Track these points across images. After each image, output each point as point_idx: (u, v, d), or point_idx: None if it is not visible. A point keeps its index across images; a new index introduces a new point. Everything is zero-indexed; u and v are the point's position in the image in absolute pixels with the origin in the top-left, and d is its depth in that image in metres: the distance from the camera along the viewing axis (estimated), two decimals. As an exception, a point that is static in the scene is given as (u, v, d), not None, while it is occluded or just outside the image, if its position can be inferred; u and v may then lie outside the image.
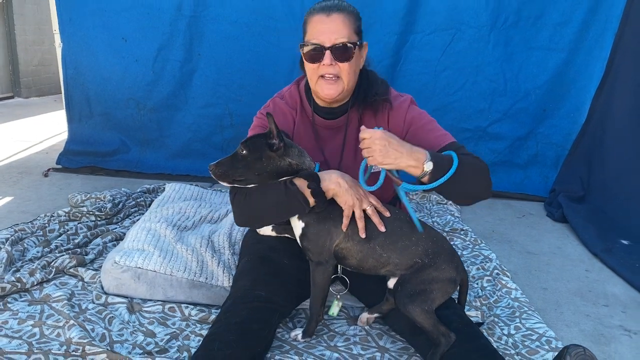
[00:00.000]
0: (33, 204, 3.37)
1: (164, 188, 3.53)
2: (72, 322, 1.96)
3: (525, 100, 3.98)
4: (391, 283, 1.88)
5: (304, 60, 1.92)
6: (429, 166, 1.68)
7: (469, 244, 2.91)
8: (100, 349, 1.81)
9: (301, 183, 1.76)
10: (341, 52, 1.83)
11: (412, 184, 1.75)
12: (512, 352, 1.94)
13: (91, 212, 3.00)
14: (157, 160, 4.28)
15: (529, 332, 2.06)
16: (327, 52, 1.83)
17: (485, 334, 1.99)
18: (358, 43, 1.87)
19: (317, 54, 1.85)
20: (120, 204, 3.18)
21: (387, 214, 1.81)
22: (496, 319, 2.16)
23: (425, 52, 3.90)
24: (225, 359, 1.62)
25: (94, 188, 3.67)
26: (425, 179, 1.71)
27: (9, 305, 2.10)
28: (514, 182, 4.09)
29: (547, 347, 1.96)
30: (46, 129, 5.79)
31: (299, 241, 1.88)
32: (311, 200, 1.76)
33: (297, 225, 1.87)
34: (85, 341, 1.84)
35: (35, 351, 1.82)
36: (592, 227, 3.26)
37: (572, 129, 3.97)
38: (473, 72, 3.95)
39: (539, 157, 4.10)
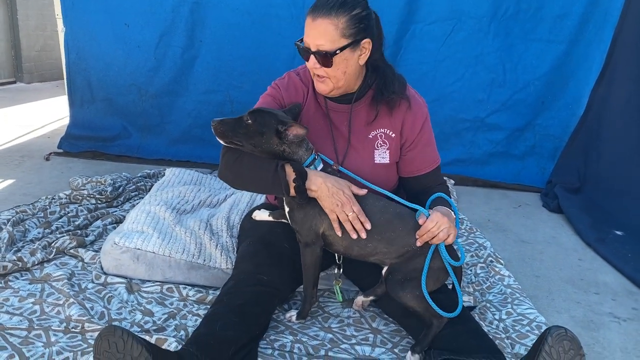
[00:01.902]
0: (34, 186, 3.41)
1: (164, 173, 3.57)
2: (71, 300, 2.00)
3: (524, 92, 4.01)
4: (385, 271, 1.92)
5: None
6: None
7: (463, 232, 2.94)
8: (99, 326, 1.85)
9: (289, 172, 1.80)
10: (322, 58, 1.84)
11: None
12: (503, 335, 1.98)
13: (92, 195, 3.04)
14: (158, 146, 4.31)
15: (520, 317, 2.10)
16: (312, 56, 1.86)
17: (477, 318, 2.04)
18: (347, 46, 1.83)
19: (305, 55, 1.89)
20: (121, 188, 3.22)
21: (368, 226, 1.83)
22: (488, 304, 2.20)
23: (425, 42, 3.92)
24: (226, 339, 1.66)
25: (95, 172, 3.70)
26: None
27: (10, 283, 2.14)
28: (511, 173, 4.12)
29: (537, 332, 2.00)
30: (48, 114, 5.81)
31: (290, 222, 1.93)
32: (292, 192, 1.81)
33: (285, 208, 1.92)
34: (84, 318, 1.89)
35: (36, 327, 1.86)
36: (587, 218, 3.30)
37: (570, 121, 3.99)
38: (473, 63, 3.97)
39: (536, 149, 4.13)
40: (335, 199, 1.80)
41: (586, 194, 3.64)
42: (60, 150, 4.25)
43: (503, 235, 3.05)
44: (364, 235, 1.83)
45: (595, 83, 3.80)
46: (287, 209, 1.90)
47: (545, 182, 3.99)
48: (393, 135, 2.01)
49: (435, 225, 1.76)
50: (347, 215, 1.80)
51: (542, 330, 1.96)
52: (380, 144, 2.02)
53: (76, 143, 4.29)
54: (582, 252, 2.88)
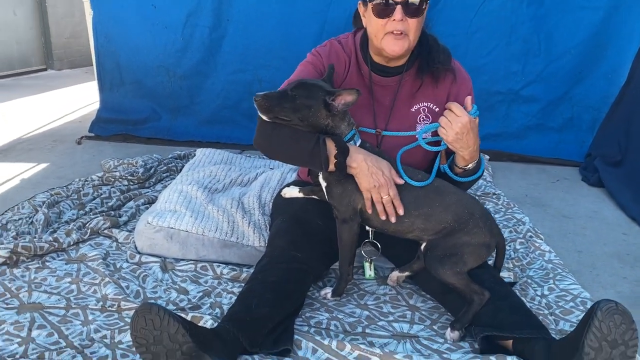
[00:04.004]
0: (67, 169, 3.44)
1: (195, 154, 3.56)
2: (107, 279, 2.01)
3: (560, 61, 3.85)
4: (424, 246, 1.86)
5: (372, 16, 1.84)
6: (470, 167, 1.88)
7: (501, 208, 2.85)
8: (135, 305, 1.85)
9: (331, 147, 1.74)
10: (413, 8, 1.78)
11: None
12: (546, 312, 1.91)
13: (124, 177, 3.05)
14: (187, 127, 4.30)
15: (563, 293, 2.03)
16: (398, 7, 1.77)
17: (518, 294, 1.97)
18: None
19: (386, 9, 1.79)
20: (152, 169, 3.22)
21: (400, 212, 1.78)
22: (529, 280, 2.12)
23: (457, 13, 3.78)
24: (262, 316, 1.64)
25: (126, 155, 3.71)
26: (457, 171, 1.90)
27: (47, 263, 2.16)
28: (547, 147, 3.98)
29: (582, 307, 1.92)
30: (78, 99, 5.87)
31: (327, 197, 1.88)
32: (331, 167, 1.76)
33: (322, 183, 1.87)
34: (120, 297, 1.89)
35: (73, 306, 1.88)
36: (629, 191, 3.16)
37: (609, 90, 3.83)
38: (506, 33, 3.83)
39: (574, 121, 3.98)
40: (374, 179, 1.74)
41: (628, 167, 3.48)
42: (92, 134, 4.29)
43: (542, 211, 2.95)
44: (393, 220, 1.78)
45: (638, 51, 3.62)
46: (324, 184, 1.86)
47: (583, 155, 3.85)
48: (437, 109, 1.94)
49: (457, 115, 1.75)
50: (382, 198, 1.75)
51: (588, 306, 1.90)
52: (422, 118, 1.95)
53: (107, 126, 4.32)
54: (626, 227, 2.76)
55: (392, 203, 1.77)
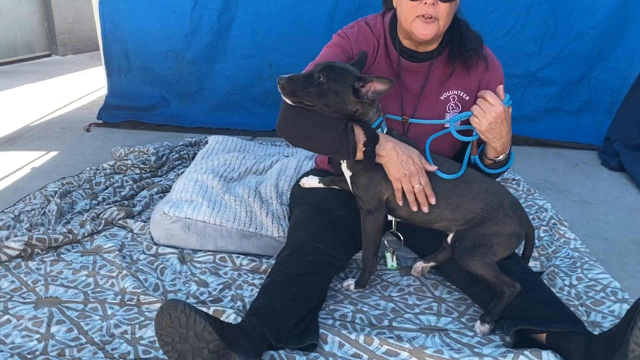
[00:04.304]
0: (77, 158, 3.39)
1: (207, 141, 3.50)
2: (125, 272, 1.96)
3: (577, 42, 3.76)
4: (450, 238, 1.81)
5: None
6: (501, 158, 1.84)
7: (521, 194, 2.79)
8: (155, 298, 1.81)
9: (359, 135, 1.68)
10: None
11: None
12: (576, 302, 1.86)
13: (136, 166, 3.00)
14: (197, 114, 4.24)
15: (592, 282, 1.97)
16: None
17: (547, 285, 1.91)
18: None
19: None
20: (164, 157, 3.16)
21: (433, 200, 1.72)
22: (556, 270, 2.07)
23: (472, -7, 3.69)
24: (286, 310, 1.60)
25: (135, 142, 3.66)
26: (486, 162, 1.85)
27: (62, 256, 2.12)
28: (564, 130, 3.91)
29: (613, 298, 1.87)
30: (84, 85, 5.81)
31: (351, 188, 1.82)
32: (359, 155, 1.70)
33: (346, 173, 1.81)
34: (139, 291, 1.84)
35: (92, 300, 1.84)
36: (652, 176, 3.10)
37: (629, 72, 3.75)
38: (523, 13, 3.74)
39: (592, 103, 3.90)
40: (404, 167, 1.68)
41: (649, 150, 3.42)
42: (100, 121, 4.23)
43: (563, 196, 2.89)
44: (426, 209, 1.72)
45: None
46: (348, 173, 1.80)
47: (602, 139, 3.77)
48: (467, 98, 1.87)
49: (491, 105, 1.69)
50: (413, 187, 1.69)
51: (619, 297, 1.86)
52: (452, 106, 1.88)
53: (115, 113, 4.26)
54: (651, 212, 2.70)
55: (424, 192, 1.71)
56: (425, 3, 1.68)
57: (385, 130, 1.77)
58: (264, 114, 4.17)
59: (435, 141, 1.82)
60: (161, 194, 2.74)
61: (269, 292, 1.67)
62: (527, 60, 3.85)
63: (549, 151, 3.67)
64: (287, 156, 2.86)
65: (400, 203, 1.75)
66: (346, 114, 1.69)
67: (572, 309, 1.78)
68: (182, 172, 2.99)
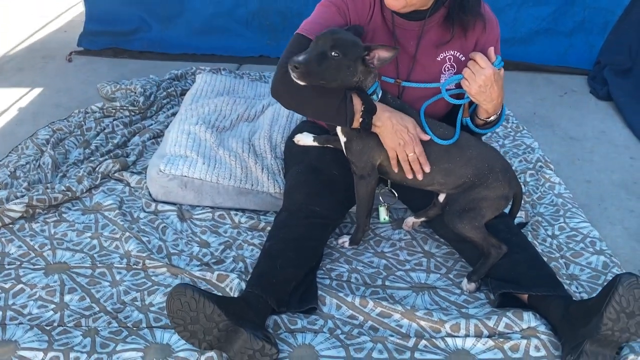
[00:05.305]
0: (64, 95, 3.33)
1: (193, 72, 3.44)
2: (127, 233, 2.03)
3: (573, -41, 3.62)
4: (441, 197, 1.88)
5: None
6: (492, 119, 1.85)
7: (510, 132, 2.84)
8: (160, 263, 1.90)
9: (357, 105, 1.69)
10: None
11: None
12: (557, 254, 1.98)
13: (124, 107, 2.96)
14: (180, 38, 4.08)
15: (573, 232, 2.09)
16: None
17: (529, 236, 2.03)
18: None
19: None
20: (152, 96, 3.11)
21: (427, 169, 1.76)
22: (540, 219, 2.18)
23: None
24: (287, 276, 1.70)
25: (120, 74, 3.58)
26: (478, 122, 1.86)
27: (64, 215, 2.17)
28: (557, 52, 3.84)
29: (591, 249, 2.00)
30: (60, 2, 5.48)
31: (344, 152, 1.86)
32: (355, 124, 1.72)
33: (341, 138, 1.84)
34: (144, 255, 1.93)
35: (99, 265, 1.92)
36: (638, 105, 3.13)
37: (627, -9, 3.64)
38: None
39: (585, 24, 3.81)
40: (398, 137, 1.71)
41: (638, 76, 3.42)
42: (81, 49, 4.08)
43: (550, 132, 2.94)
44: (420, 177, 1.77)
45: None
46: (343, 139, 1.83)
47: (593, 62, 3.74)
48: (463, 58, 1.84)
49: (481, 67, 1.68)
50: (407, 156, 1.73)
51: (597, 248, 2.00)
52: (447, 67, 1.86)
53: (96, 40, 4.09)
54: (634, 149, 2.77)
55: (418, 161, 1.76)
56: None
57: (380, 94, 1.77)
58: (249, 36, 4.04)
59: (430, 104, 1.83)
60: (153, 140, 2.75)
61: (270, 258, 1.76)
62: (521, -22, 3.71)
63: (539, 77, 3.65)
64: (278, 96, 2.83)
65: (396, 170, 1.80)
66: (349, 84, 1.69)
67: (552, 263, 1.91)
68: (171, 113, 2.97)
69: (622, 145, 2.82)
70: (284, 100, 1.82)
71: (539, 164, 2.52)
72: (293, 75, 1.60)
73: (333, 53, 1.60)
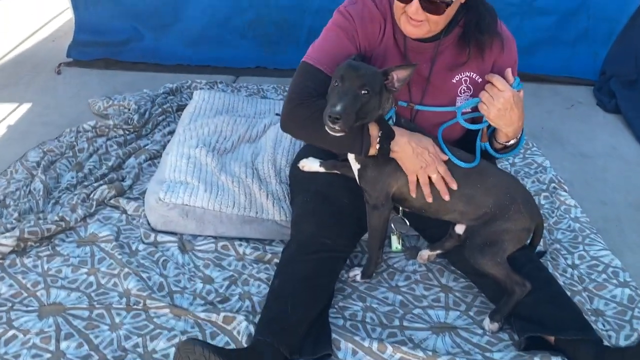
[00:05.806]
0: (53, 112, 3.18)
1: (188, 87, 3.32)
2: (126, 269, 1.92)
3: (577, -33, 3.54)
4: (459, 228, 1.79)
5: None
6: (512, 142, 1.75)
7: (520, 149, 2.74)
8: (162, 303, 1.79)
9: (373, 131, 1.61)
10: (433, 7, 1.54)
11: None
12: (579, 287, 1.89)
13: (118, 126, 2.83)
14: (174, 48, 3.95)
15: (594, 262, 2.00)
16: (415, 1, 1.53)
17: (549, 266, 1.94)
18: None
19: None
20: (147, 113, 2.98)
21: (454, 186, 1.68)
22: (558, 246, 2.09)
23: None
24: (298, 319, 1.61)
25: (112, 88, 3.45)
26: (496, 146, 1.77)
27: (57, 248, 2.05)
28: (560, 61, 3.76)
29: (615, 280, 1.91)
30: (45, 9, 5.30)
31: (357, 180, 1.76)
32: (372, 152, 1.63)
33: (354, 165, 1.75)
34: (144, 294, 1.82)
35: (97, 306, 1.81)
36: (647, 118, 3.06)
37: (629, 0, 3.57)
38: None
39: (589, 32, 3.73)
40: (420, 160, 1.63)
41: (644, 87, 3.35)
42: (70, 60, 3.93)
43: (561, 149, 2.85)
44: (447, 198, 1.68)
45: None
46: (356, 166, 1.73)
47: (597, 72, 3.67)
48: (479, 80, 1.74)
49: (500, 90, 1.61)
50: (430, 177, 1.65)
51: (620, 279, 1.93)
52: (464, 89, 1.76)
53: (86, 50, 3.95)
54: (646, 166, 2.70)
55: (443, 180, 1.67)
56: (411, 10, 1.56)
57: (395, 119, 1.68)
58: (244, 47, 3.92)
59: (446, 128, 1.74)
60: (149, 161, 2.62)
61: (279, 300, 1.66)
62: (524, -13, 3.63)
63: (544, 88, 3.57)
64: (278, 114, 2.72)
65: (414, 195, 1.70)
66: (377, 115, 1.61)
67: (576, 297, 1.82)
68: (167, 131, 2.85)
69: (634, 162, 2.73)
70: (295, 134, 1.77)
71: (553, 184, 2.43)
72: (334, 128, 1.50)
73: (363, 92, 1.51)
